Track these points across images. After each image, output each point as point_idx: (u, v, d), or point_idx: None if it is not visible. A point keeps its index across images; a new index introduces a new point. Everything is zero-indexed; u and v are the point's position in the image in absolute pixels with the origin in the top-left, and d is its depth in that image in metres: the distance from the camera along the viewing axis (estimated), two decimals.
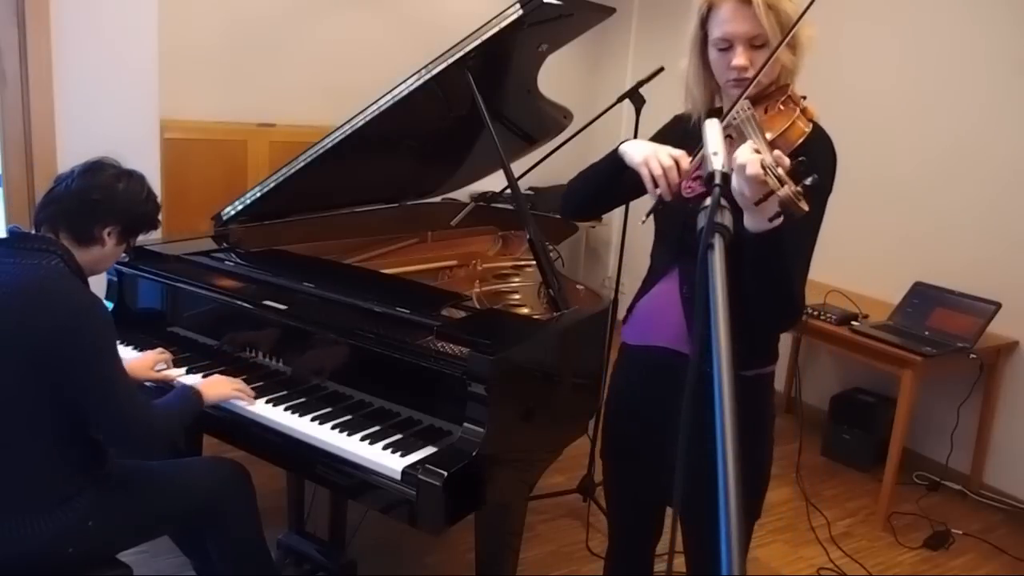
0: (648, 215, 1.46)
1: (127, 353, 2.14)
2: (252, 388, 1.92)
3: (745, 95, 1.42)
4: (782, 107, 1.43)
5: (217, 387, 1.87)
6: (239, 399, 1.87)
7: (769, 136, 1.29)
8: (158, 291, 2.29)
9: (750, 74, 1.41)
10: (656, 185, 1.40)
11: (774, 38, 1.39)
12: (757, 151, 1.19)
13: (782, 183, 1.15)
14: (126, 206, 1.73)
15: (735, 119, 1.38)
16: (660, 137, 1.66)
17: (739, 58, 1.40)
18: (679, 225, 1.48)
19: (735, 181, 1.19)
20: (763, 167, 1.17)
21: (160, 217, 1.84)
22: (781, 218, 1.23)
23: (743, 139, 1.34)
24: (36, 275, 1.60)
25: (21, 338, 1.56)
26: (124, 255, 1.84)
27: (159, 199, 1.82)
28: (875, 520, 3.11)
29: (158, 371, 2.00)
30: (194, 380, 1.97)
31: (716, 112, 1.47)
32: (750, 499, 1.54)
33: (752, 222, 1.26)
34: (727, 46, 1.41)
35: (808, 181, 1.15)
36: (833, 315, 3.21)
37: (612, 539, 1.87)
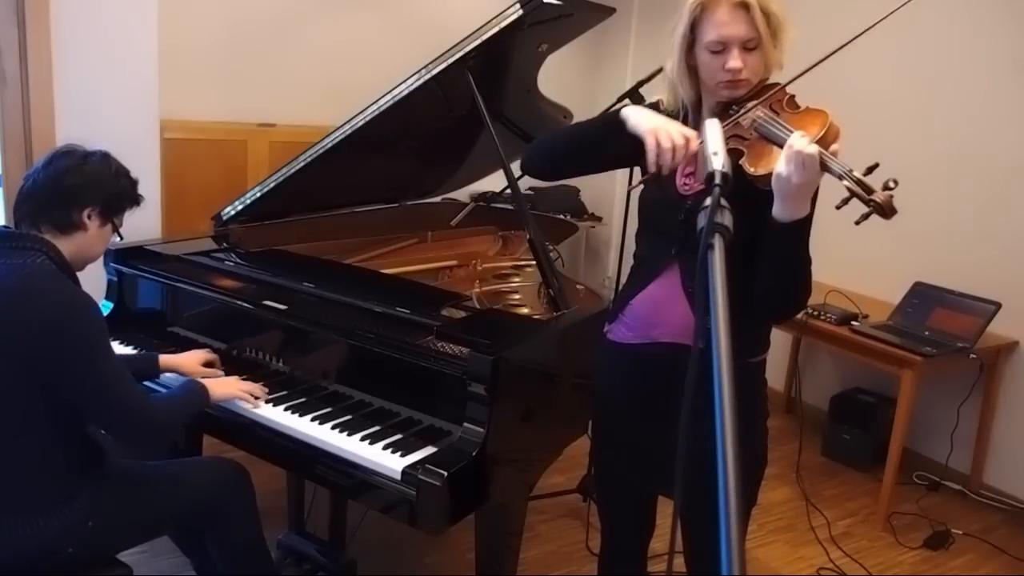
0: (638, 184, 1.47)
1: (124, 351, 2.14)
2: None
3: (737, 96, 1.45)
4: (797, 106, 1.45)
5: (225, 386, 1.86)
6: (245, 400, 1.86)
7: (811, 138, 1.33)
8: (158, 291, 2.29)
9: (744, 76, 1.43)
10: (659, 159, 1.39)
11: (767, 40, 1.42)
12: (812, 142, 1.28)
13: (869, 190, 1.25)
14: (97, 184, 1.70)
15: (757, 121, 1.41)
16: None
17: (735, 61, 1.41)
18: (678, 221, 1.48)
19: (784, 168, 1.27)
20: (843, 174, 1.27)
21: (140, 192, 1.80)
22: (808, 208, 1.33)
23: (766, 141, 1.36)
24: (23, 274, 1.59)
25: (11, 338, 1.55)
26: (117, 238, 1.82)
27: (132, 174, 1.78)
28: (875, 520, 3.11)
29: (207, 368, 1.99)
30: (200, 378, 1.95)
31: (727, 110, 1.47)
32: (747, 485, 1.55)
33: (786, 211, 1.33)
34: (721, 48, 1.42)
35: (892, 185, 1.25)
36: (833, 315, 3.21)
37: (606, 539, 1.87)
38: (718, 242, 0.93)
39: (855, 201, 1.29)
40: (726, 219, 0.95)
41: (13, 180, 2.83)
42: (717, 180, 1.02)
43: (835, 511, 3.16)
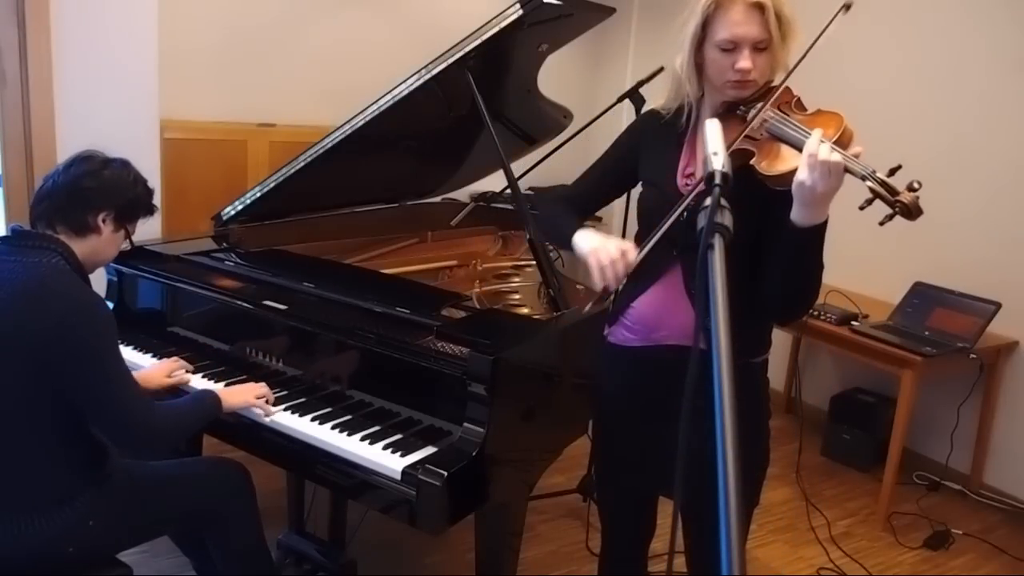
0: (591, 306, 1.52)
1: (131, 355, 2.14)
2: None
3: (743, 96, 1.46)
4: (805, 108, 1.45)
5: (239, 395, 1.85)
6: (260, 407, 1.85)
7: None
8: (158, 291, 2.29)
9: (752, 77, 1.43)
10: (602, 276, 1.44)
11: (777, 42, 1.42)
12: (833, 148, 1.28)
13: (894, 192, 1.25)
14: (114, 190, 1.73)
15: (769, 121, 1.41)
16: (629, 133, 1.70)
17: (745, 61, 1.42)
18: (680, 223, 1.48)
19: (808, 176, 1.27)
20: (867, 175, 1.27)
21: (155, 202, 1.83)
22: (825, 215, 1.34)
23: (777, 141, 1.37)
24: (37, 273, 1.60)
25: (22, 336, 1.56)
26: (127, 244, 1.83)
27: (149, 184, 1.81)
28: (875, 520, 3.11)
29: (172, 377, 1.99)
30: (212, 386, 1.94)
31: (733, 109, 1.47)
32: (749, 486, 1.55)
33: (807, 216, 1.33)
34: (732, 48, 1.42)
35: (916, 186, 1.25)
36: (833, 315, 3.21)
37: (607, 539, 1.87)
38: (718, 242, 0.93)
39: (877, 202, 1.29)
40: (726, 219, 0.96)
41: (13, 180, 2.83)
42: (717, 180, 1.02)
43: (835, 511, 3.16)
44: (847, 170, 1.28)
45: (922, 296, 3.26)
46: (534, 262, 2.23)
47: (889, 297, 3.38)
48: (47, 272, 1.61)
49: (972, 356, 3.05)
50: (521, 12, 2.14)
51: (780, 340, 3.93)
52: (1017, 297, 3.12)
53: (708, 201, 0.97)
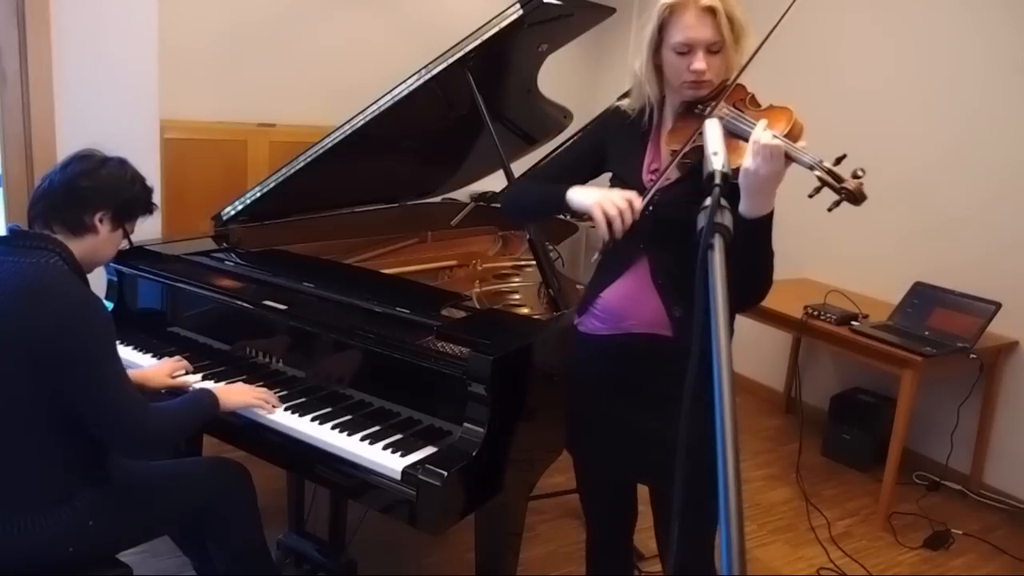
0: (599, 255, 1.58)
1: (131, 355, 2.14)
2: None
3: (700, 96, 1.51)
4: (759, 104, 1.51)
5: (237, 394, 1.85)
6: (259, 408, 1.85)
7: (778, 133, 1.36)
8: (158, 291, 2.29)
9: (707, 77, 1.48)
10: (610, 226, 1.45)
11: (730, 44, 1.47)
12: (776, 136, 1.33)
13: (840, 179, 1.30)
14: (112, 189, 1.72)
15: (724, 118, 1.45)
16: (598, 126, 1.75)
17: (699, 63, 1.47)
18: (645, 216, 1.50)
19: (752, 162, 1.32)
20: (814, 164, 1.31)
21: (154, 201, 1.82)
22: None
23: (733, 137, 1.41)
24: (35, 273, 1.60)
25: (21, 337, 1.55)
26: (126, 244, 1.82)
27: (148, 182, 1.80)
28: (875, 520, 3.11)
29: (175, 377, 1.99)
30: (211, 386, 1.93)
31: (691, 109, 1.53)
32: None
33: (753, 207, 1.37)
34: (687, 50, 1.47)
35: (860, 173, 1.30)
36: (833, 315, 3.21)
37: (591, 529, 1.90)
38: (718, 242, 0.94)
39: (826, 190, 1.33)
40: (726, 219, 0.96)
41: (13, 180, 2.83)
42: (717, 180, 1.03)
43: (835, 511, 3.16)
44: (795, 159, 1.33)
45: (922, 296, 3.26)
46: (534, 262, 2.23)
47: (889, 297, 3.38)
48: (45, 272, 1.60)
49: (972, 356, 3.05)
50: (521, 12, 2.14)
51: (780, 340, 3.94)
52: (1017, 297, 3.12)
53: (708, 201, 0.98)
